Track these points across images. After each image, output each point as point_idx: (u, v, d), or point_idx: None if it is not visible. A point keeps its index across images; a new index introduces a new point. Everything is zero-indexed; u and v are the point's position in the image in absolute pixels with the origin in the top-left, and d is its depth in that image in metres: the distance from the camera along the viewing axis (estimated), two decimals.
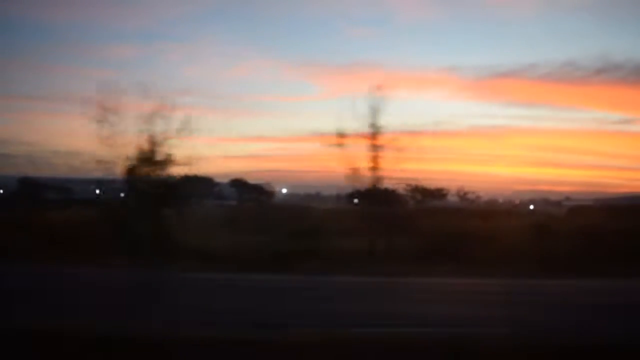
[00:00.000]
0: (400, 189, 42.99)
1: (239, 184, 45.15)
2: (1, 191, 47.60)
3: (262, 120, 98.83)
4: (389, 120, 24.00)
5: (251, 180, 47.66)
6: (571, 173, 79.93)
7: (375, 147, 23.78)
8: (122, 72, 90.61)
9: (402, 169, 23.91)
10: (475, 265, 19.85)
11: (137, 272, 18.61)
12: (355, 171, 23.81)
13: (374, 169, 23.94)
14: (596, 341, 9.65)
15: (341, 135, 23.45)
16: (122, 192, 26.13)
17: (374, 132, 23.70)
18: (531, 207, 64.70)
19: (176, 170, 23.88)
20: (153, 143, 22.94)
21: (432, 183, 41.40)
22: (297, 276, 18.67)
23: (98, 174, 24.18)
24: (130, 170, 23.10)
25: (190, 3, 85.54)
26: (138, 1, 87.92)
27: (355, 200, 36.49)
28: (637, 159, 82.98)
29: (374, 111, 23.52)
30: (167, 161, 23.23)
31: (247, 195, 44.01)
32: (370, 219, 25.11)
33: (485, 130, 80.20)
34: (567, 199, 70.93)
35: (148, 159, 23.00)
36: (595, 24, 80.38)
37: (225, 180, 45.10)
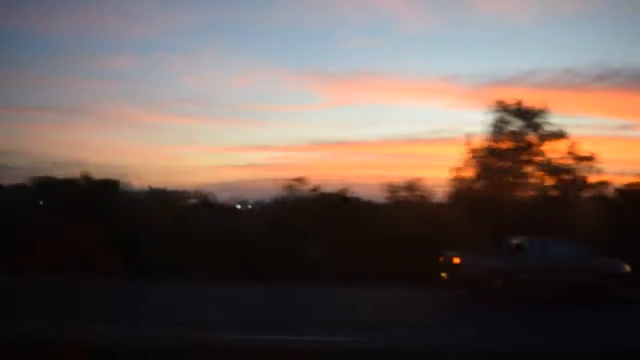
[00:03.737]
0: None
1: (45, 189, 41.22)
2: None
3: (263, 130, 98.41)
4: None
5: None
6: None
7: None
8: (122, 83, 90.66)
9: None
10: None
11: None
12: None
13: None
14: None
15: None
16: None
17: None
18: None
19: None
20: None
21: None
22: None
23: None
24: None
25: (190, 14, 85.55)
26: (138, 12, 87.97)
27: None
28: (637, 164, 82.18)
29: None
30: None
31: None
32: None
33: None
34: None
35: None
36: (593, 31, 79.45)
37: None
